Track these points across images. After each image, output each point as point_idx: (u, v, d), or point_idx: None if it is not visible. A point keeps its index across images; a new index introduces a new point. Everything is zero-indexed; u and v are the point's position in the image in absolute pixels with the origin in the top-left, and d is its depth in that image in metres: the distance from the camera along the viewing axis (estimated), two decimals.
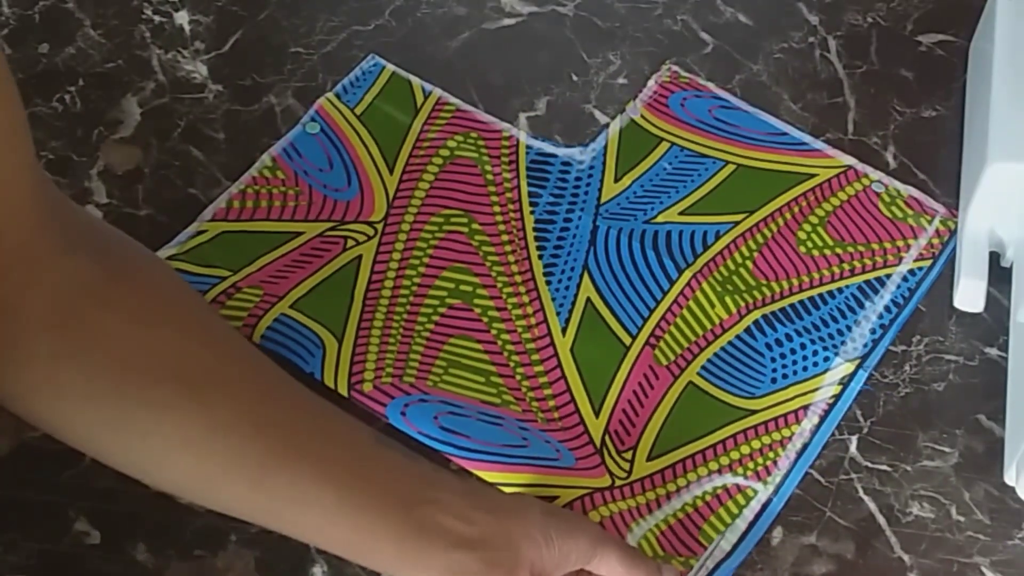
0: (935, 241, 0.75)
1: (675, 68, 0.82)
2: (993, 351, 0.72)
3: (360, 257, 0.73)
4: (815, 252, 0.74)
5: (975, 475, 0.68)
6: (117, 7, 0.84)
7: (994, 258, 0.74)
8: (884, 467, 0.68)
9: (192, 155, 0.78)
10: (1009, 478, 0.67)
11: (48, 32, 0.82)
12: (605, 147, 0.79)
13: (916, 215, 0.76)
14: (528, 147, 0.78)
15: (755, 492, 0.66)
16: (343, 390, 0.68)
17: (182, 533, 0.64)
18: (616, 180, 0.77)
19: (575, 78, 0.83)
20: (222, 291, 0.71)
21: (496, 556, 0.56)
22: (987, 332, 0.73)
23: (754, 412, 0.69)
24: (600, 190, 0.77)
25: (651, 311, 0.72)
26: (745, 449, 0.67)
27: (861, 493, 0.67)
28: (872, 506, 0.67)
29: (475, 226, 0.75)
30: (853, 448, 0.69)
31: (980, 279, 0.73)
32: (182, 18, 0.84)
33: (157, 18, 0.84)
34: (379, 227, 0.74)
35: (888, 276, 0.74)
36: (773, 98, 0.83)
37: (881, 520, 0.66)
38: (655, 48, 0.84)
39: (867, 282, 0.73)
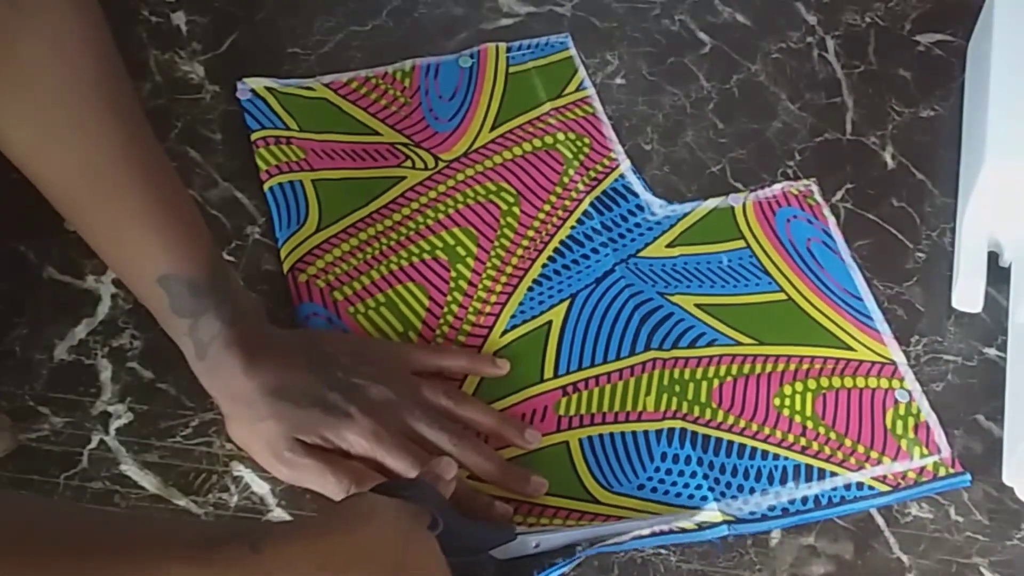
0: (910, 475, 0.67)
1: (812, 187, 0.78)
2: (991, 351, 0.72)
3: (402, 179, 0.76)
4: (785, 412, 0.69)
5: (974, 475, 0.68)
6: (114, 8, 0.83)
7: (992, 258, 0.74)
8: None
9: (189, 155, 0.77)
10: (1008, 478, 0.67)
11: None
12: (686, 215, 0.76)
13: (915, 442, 0.68)
14: (621, 175, 0.78)
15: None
16: (285, 267, 0.71)
17: None
18: (669, 245, 0.75)
19: None
20: (273, 136, 0.76)
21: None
22: (985, 332, 0.73)
23: (595, 501, 0.65)
24: (648, 245, 0.75)
25: (591, 365, 0.70)
26: (557, 523, 0.64)
27: None
28: None
29: (516, 210, 0.75)
30: None
31: (978, 279, 0.73)
32: (179, 18, 0.84)
33: (154, 19, 0.83)
34: (440, 166, 0.77)
35: (834, 474, 0.67)
36: (771, 98, 0.82)
37: (880, 520, 0.66)
38: (653, 48, 0.84)
39: (808, 467, 0.67)
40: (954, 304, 0.73)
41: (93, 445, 0.66)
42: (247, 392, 0.63)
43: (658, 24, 0.86)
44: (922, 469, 0.67)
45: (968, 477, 0.67)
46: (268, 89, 0.79)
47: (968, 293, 0.73)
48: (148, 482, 0.65)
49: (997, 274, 0.74)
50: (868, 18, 0.87)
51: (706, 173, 0.79)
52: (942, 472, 0.67)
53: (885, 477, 0.66)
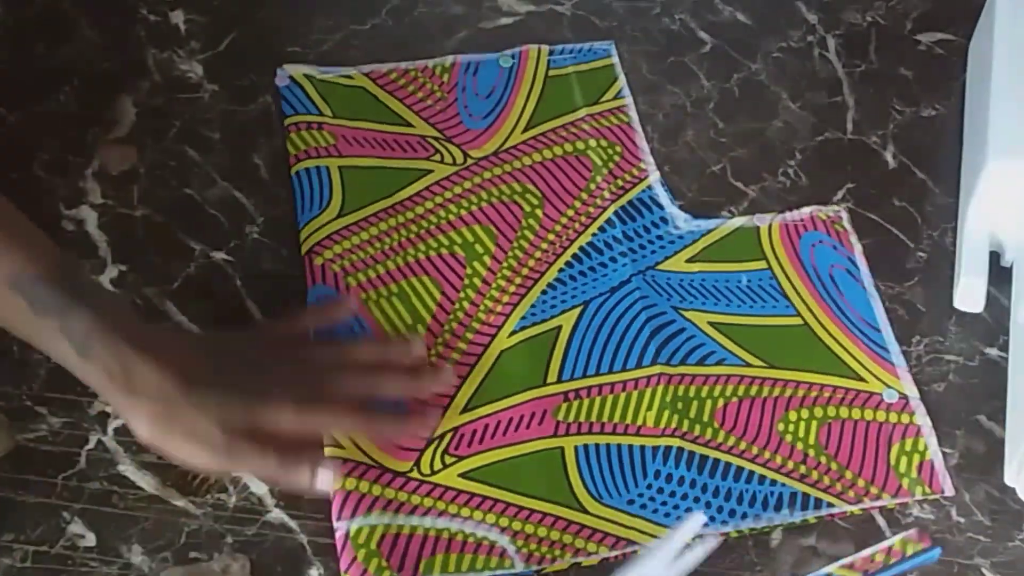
0: (878, 558, 0.63)
1: (842, 213, 0.77)
2: (993, 351, 0.72)
3: (429, 172, 0.76)
4: (788, 438, 0.67)
5: (975, 476, 0.68)
6: (112, 7, 0.84)
7: (994, 258, 0.74)
8: None
9: (188, 155, 0.77)
10: (1009, 479, 0.67)
11: (44, 32, 0.82)
12: (710, 231, 0.75)
13: (917, 481, 0.67)
14: (649, 186, 0.77)
15: (511, 567, 0.63)
16: (304, 249, 0.72)
17: (177, 535, 0.64)
18: (689, 260, 0.74)
19: None
20: (305, 121, 0.77)
21: None
22: (987, 332, 0.73)
23: (583, 511, 0.64)
24: (667, 259, 0.74)
25: (596, 374, 0.69)
26: (542, 532, 0.64)
27: None
28: None
29: (539, 212, 0.75)
30: None
31: (980, 279, 0.72)
32: (177, 17, 0.83)
33: (153, 17, 0.83)
34: (468, 162, 0.77)
35: (831, 505, 0.65)
36: (772, 97, 0.82)
37: (881, 521, 0.66)
38: (653, 47, 0.84)
39: (805, 495, 0.66)
40: (956, 304, 0.73)
41: (91, 446, 0.66)
42: (154, 385, 0.59)
43: (658, 23, 0.86)
44: (890, 549, 0.63)
45: (937, 551, 0.63)
46: (307, 76, 0.79)
47: (970, 293, 0.72)
48: (146, 482, 0.65)
49: (999, 274, 0.73)
50: (869, 17, 0.87)
51: (707, 172, 0.79)
52: (910, 550, 0.63)
53: (853, 564, 0.62)
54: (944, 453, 0.68)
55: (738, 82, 0.83)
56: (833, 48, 0.85)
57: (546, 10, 0.86)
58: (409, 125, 0.78)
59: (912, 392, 0.70)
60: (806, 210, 0.77)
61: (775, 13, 0.87)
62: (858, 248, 0.75)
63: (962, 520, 0.66)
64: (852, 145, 0.80)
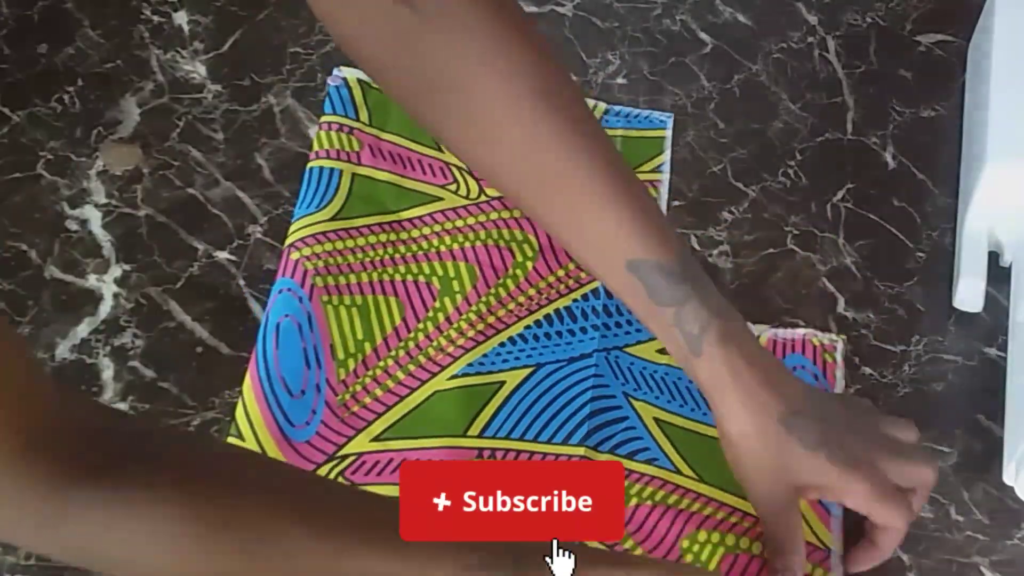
0: None
1: (838, 344, 0.71)
2: (992, 351, 0.72)
3: (439, 199, 0.75)
4: (688, 556, 0.63)
5: (974, 475, 0.68)
6: (116, 7, 0.84)
7: (993, 258, 0.74)
8: None
9: (191, 155, 0.77)
10: (1008, 478, 0.67)
11: (47, 32, 0.82)
12: None
13: None
14: None
15: None
16: (287, 243, 0.72)
17: None
18: (660, 351, 0.70)
19: (574, 78, 0.82)
20: (338, 122, 0.76)
21: None
22: (986, 332, 0.73)
23: None
24: (639, 343, 0.70)
25: (519, 438, 0.67)
26: None
27: None
28: None
29: (529, 264, 0.73)
30: None
31: (979, 279, 0.73)
32: (181, 18, 0.84)
33: (156, 18, 0.83)
34: (480, 199, 0.75)
35: None
36: (772, 98, 0.82)
37: None
38: (654, 48, 0.84)
39: None
40: (955, 304, 0.73)
41: None
42: (757, 405, 0.59)
43: (659, 24, 0.86)
44: None
45: None
46: (360, 81, 0.79)
47: (969, 293, 0.73)
48: None
49: (998, 274, 0.74)
50: (869, 18, 0.87)
51: (707, 173, 0.79)
52: None
53: None
54: (943, 452, 0.69)
55: (738, 83, 0.83)
56: (833, 49, 0.85)
57: (547, 11, 0.86)
58: (438, 149, 0.77)
59: (837, 549, 0.65)
60: (802, 331, 0.72)
61: (775, 14, 0.87)
62: (840, 385, 0.70)
63: (961, 519, 0.67)
64: (852, 146, 0.81)
